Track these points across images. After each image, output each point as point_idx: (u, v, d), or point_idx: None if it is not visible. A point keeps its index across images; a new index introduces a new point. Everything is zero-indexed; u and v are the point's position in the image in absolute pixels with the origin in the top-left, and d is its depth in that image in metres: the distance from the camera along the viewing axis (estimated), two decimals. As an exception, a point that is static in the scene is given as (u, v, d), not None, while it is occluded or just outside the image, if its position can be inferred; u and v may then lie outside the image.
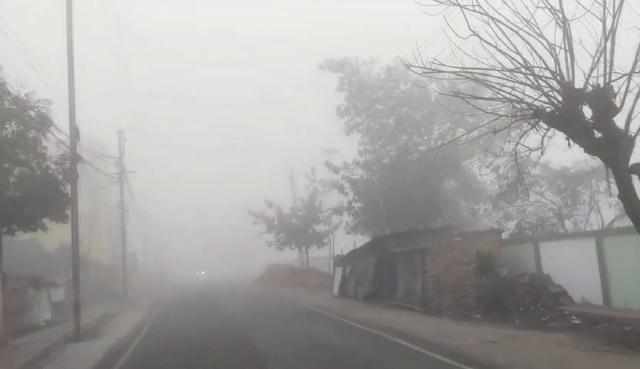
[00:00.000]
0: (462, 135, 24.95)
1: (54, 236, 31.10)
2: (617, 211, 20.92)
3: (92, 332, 17.17)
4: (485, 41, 9.23)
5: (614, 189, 13.53)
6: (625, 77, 8.80)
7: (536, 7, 9.15)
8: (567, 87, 9.25)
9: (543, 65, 9.33)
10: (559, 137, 10.10)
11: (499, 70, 9.57)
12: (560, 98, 9.41)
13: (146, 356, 12.40)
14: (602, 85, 9.05)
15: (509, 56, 9.36)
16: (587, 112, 9.42)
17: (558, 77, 9.30)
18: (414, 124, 27.16)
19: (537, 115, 9.69)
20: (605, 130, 9.13)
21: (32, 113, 12.86)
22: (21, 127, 12.89)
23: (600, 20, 8.79)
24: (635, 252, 12.78)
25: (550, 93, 9.49)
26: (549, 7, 9.14)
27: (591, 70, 9.12)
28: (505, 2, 9.13)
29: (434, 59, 9.60)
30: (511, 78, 9.69)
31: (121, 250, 29.46)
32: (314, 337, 13.34)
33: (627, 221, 15.90)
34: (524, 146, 10.37)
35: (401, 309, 17.87)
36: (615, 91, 9.02)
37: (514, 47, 9.29)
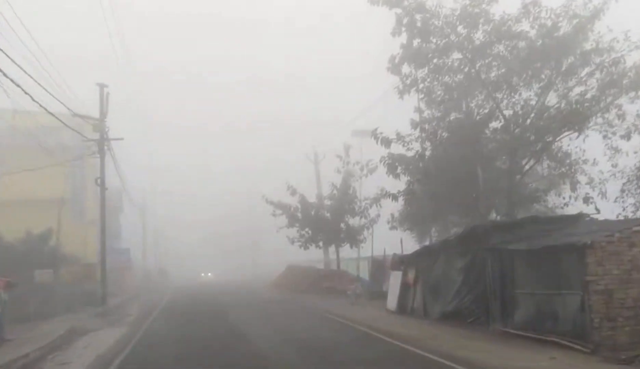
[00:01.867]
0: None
1: (14, 223, 24.62)
2: None
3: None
4: None
5: None
6: None
7: None
8: None
9: None
10: None
11: None
12: None
13: None
14: None
15: None
16: None
17: None
18: (497, 82, 19.90)
19: None
20: None
21: None
22: None
23: None
24: None
25: None
26: None
27: None
28: None
29: None
30: None
31: (101, 242, 22.46)
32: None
33: None
34: None
35: (533, 342, 10.79)
36: None
37: None
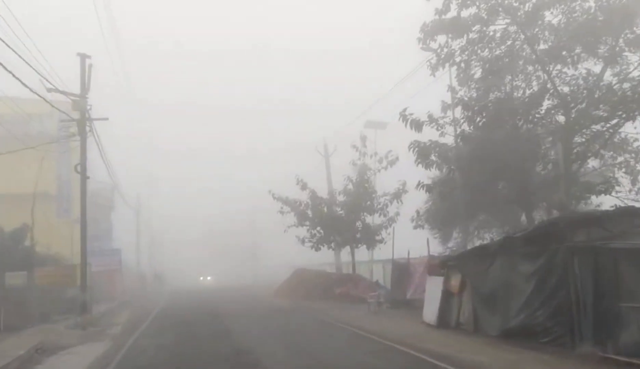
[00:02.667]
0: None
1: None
2: None
3: None
4: None
5: None
6: None
7: None
8: None
9: None
10: None
11: None
12: None
13: None
14: None
15: None
16: None
17: None
18: (553, 53, 16.75)
19: None
20: None
21: None
22: None
23: None
24: None
25: None
26: None
27: None
28: None
29: None
30: None
31: (82, 239, 19.24)
32: None
33: None
34: None
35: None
36: None
37: None
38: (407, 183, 25.07)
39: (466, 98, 18.63)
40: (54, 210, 31.25)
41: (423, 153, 18.05)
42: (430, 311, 15.41)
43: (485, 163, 16.98)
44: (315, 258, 47.38)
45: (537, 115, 17.05)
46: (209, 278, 67.23)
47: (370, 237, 25.02)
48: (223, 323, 17.61)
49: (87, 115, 17.78)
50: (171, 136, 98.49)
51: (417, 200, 28.47)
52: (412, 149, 18.08)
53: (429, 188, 17.90)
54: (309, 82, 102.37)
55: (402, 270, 23.01)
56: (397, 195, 24.60)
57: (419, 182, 18.26)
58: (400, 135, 29.74)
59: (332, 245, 26.54)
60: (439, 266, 15.40)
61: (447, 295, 14.64)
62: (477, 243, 28.90)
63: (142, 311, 24.31)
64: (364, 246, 25.83)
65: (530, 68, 17.42)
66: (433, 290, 15.44)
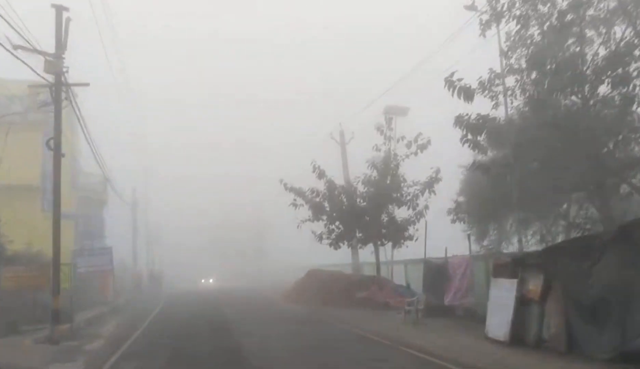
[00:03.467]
0: None
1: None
2: None
3: None
4: None
5: None
6: None
7: None
8: None
9: None
10: None
11: None
12: None
13: None
14: None
15: None
16: None
17: None
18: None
19: None
20: None
21: None
22: None
23: None
24: None
25: None
26: None
27: None
28: None
29: None
30: None
31: (53, 231, 15.79)
32: None
33: None
34: None
35: None
36: None
37: None
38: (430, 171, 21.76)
39: (519, 65, 15.18)
40: (38, 204, 27.90)
41: (474, 129, 14.67)
42: (497, 323, 11.99)
43: (555, 135, 13.59)
44: (328, 258, 43.85)
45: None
46: (210, 280, 63.19)
47: (398, 233, 21.59)
48: (231, 336, 14.21)
49: (63, 79, 14.37)
50: (170, 127, 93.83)
51: (445, 192, 25.14)
52: (459, 124, 14.70)
53: (484, 170, 14.45)
54: (320, 65, 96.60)
55: (438, 272, 19.63)
56: (430, 184, 21.19)
57: (474, 161, 14.88)
58: (424, 121, 26.24)
59: (353, 242, 23.10)
60: (510, 266, 11.95)
61: (523, 303, 11.22)
62: (515, 242, 25.71)
63: (134, 319, 20.93)
64: (393, 243, 22.35)
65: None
66: (501, 297, 12.01)
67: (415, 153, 21.70)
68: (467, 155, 26.32)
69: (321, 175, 22.23)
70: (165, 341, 14.03)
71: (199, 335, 14.86)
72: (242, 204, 69.55)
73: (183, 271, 71.61)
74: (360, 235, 22.32)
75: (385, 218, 21.83)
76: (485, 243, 24.72)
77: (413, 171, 23.28)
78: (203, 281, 62.34)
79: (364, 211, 21.29)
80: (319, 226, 23.01)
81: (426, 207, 22.16)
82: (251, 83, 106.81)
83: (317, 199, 22.51)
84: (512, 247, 25.39)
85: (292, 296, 26.06)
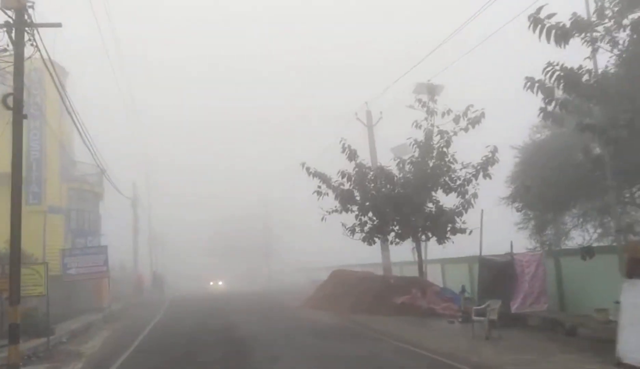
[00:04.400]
0: None
1: None
2: None
3: None
4: None
5: None
6: None
7: None
8: None
9: None
10: None
11: None
12: None
13: None
14: None
15: None
16: None
17: None
18: None
19: None
20: None
21: None
22: None
23: None
24: None
25: None
26: None
27: None
28: None
29: None
30: None
31: (12, 221, 12.02)
32: None
33: None
34: None
35: None
36: None
37: None
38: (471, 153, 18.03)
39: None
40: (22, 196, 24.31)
41: (571, 81, 10.94)
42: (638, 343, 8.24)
43: None
44: (345, 258, 40.20)
45: None
46: (220, 283, 59.16)
47: (445, 225, 17.79)
48: (253, 359, 10.50)
49: (27, 18, 10.71)
50: (174, 115, 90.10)
51: (502, 176, 21.34)
52: (550, 73, 11.01)
53: (599, 131, 10.65)
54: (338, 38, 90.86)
55: (499, 272, 15.94)
56: (485, 166, 17.43)
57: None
58: (458, 99, 22.33)
59: (390, 236, 19.31)
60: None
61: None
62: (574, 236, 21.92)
63: (128, 331, 17.31)
64: (439, 238, 18.55)
65: None
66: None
67: (466, 129, 17.93)
68: (519, 135, 22.53)
69: (352, 156, 18.49)
70: (170, 360, 10.36)
71: (209, 356, 11.17)
72: (249, 201, 65.84)
73: (187, 272, 67.96)
74: (398, 228, 18.54)
75: (431, 208, 18.04)
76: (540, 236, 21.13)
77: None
78: (212, 283, 58.43)
79: (406, 199, 17.47)
80: (348, 219, 19.27)
81: (474, 195, 18.37)
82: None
83: (347, 186, 18.75)
84: (571, 242, 21.67)
85: (315, 302, 22.29)
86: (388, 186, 18.27)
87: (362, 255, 40.08)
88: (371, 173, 18.74)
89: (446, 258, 23.50)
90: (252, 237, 64.71)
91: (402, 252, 26.37)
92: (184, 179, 75.26)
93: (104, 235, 30.50)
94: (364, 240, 18.80)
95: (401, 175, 18.91)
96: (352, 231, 18.59)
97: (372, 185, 18.46)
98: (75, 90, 30.14)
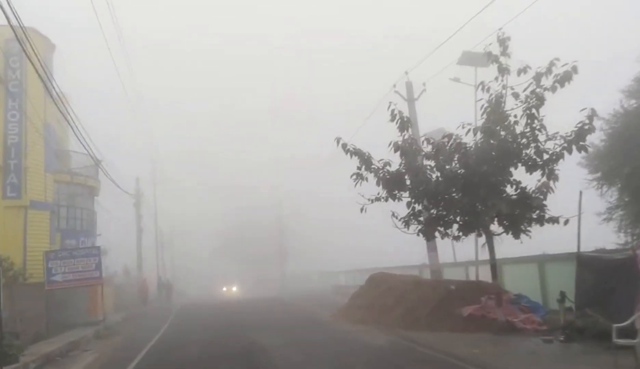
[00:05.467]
0: None
1: None
2: None
3: None
4: None
5: None
6: None
7: None
8: None
9: None
10: None
11: None
12: None
13: None
14: None
15: None
16: None
17: None
18: None
19: None
20: None
21: None
22: None
23: None
24: None
25: None
26: None
27: None
28: None
29: None
30: None
31: None
32: None
33: None
34: None
35: None
36: None
37: None
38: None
39: None
40: (-1, 189, 20.47)
41: None
42: None
43: None
44: (372, 260, 36.08)
45: None
46: (234, 288, 54.98)
47: (531, 213, 13.49)
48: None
49: None
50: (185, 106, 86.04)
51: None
52: None
53: None
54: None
55: (613, 273, 11.81)
56: (581, 136, 13.13)
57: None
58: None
59: (450, 230, 15.03)
60: None
61: None
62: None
63: (119, 355, 13.27)
64: (503, 231, 14.24)
65: None
66: None
67: (552, 89, 13.62)
68: (604, 103, 18.15)
69: (405, 125, 14.25)
70: None
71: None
72: (264, 198, 61.86)
73: (198, 277, 63.99)
74: (465, 217, 14.28)
75: (510, 193, 13.77)
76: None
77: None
78: (225, 289, 54.27)
79: (482, 178, 13.20)
80: (397, 208, 15.03)
81: (554, 177, 14.03)
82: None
83: (399, 168, 14.54)
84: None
85: (351, 313, 18.05)
86: (454, 163, 14.00)
87: (388, 256, 35.92)
88: (428, 146, 14.49)
89: (505, 257, 19.25)
90: (265, 239, 60.65)
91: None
92: (193, 175, 71.50)
93: (100, 235, 26.60)
94: (421, 233, 14.58)
95: (472, 146, 14.55)
96: (407, 223, 14.37)
97: (433, 162, 14.23)
98: (65, 68, 26.42)
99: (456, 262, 24.61)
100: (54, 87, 18.42)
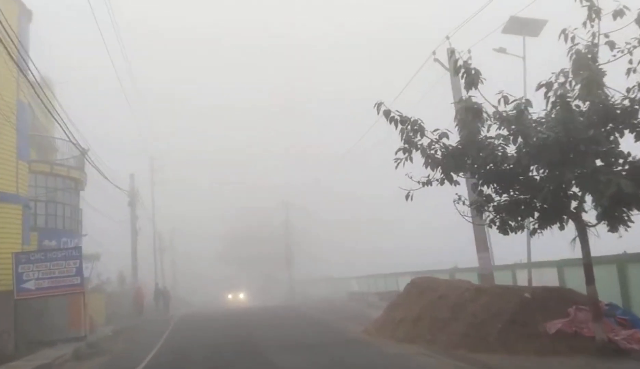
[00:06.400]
0: None
1: None
2: None
3: None
4: None
5: None
6: None
7: None
8: None
9: None
10: None
11: None
12: None
13: None
14: None
15: None
16: None
17: None
18: None
19: None
20: None
21: None
22: None
23: None
24: None
25: None
26: None
27: None
28: None
29: None
30: None
31: None
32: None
33: None
34: None
35: None
36: None
37: None
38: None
39: None
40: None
41: None
42: None
43: None
44: (389, 265, 32.70)
45: None
46: (241, 295, 51.17)
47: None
48: None
49: None
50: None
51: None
52: None
53: None
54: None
55: None
56: None
57: None
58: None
59: (526, 222, 11.50)
60: None
61: None
62: None
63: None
64: (604, 221, 10.67)
65: None
66: None
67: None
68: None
69: (473, 80, 10.75)
70: None
71: None
72: (269, 202, 58.38)
73: (201, 283, 60.44)
74: (549, 203, 10.73)
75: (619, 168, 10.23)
76: None
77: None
78: (231, 296, 50.35)
79: (588, 145, 9.66)
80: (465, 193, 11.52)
81: None
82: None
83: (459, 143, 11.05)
84: None
85: (391, 328, 14.43)
86: (541, 129, 10.44)
87: (409, 259, 32.55)
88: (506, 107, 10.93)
89: (568, 258, 15.71)
90: (271, 243, 57.08)
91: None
92: (195, 174, 68.21)
93: (86, 235, 23.12)
94: (494, 224, 11.04)
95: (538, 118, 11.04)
96: (480, 210, 10.86)
97: (507, 132, 10.72)
98: (46, 43, 23.11)
99: (499, 265, 21.16)
100: (24, 61, 15.17)
